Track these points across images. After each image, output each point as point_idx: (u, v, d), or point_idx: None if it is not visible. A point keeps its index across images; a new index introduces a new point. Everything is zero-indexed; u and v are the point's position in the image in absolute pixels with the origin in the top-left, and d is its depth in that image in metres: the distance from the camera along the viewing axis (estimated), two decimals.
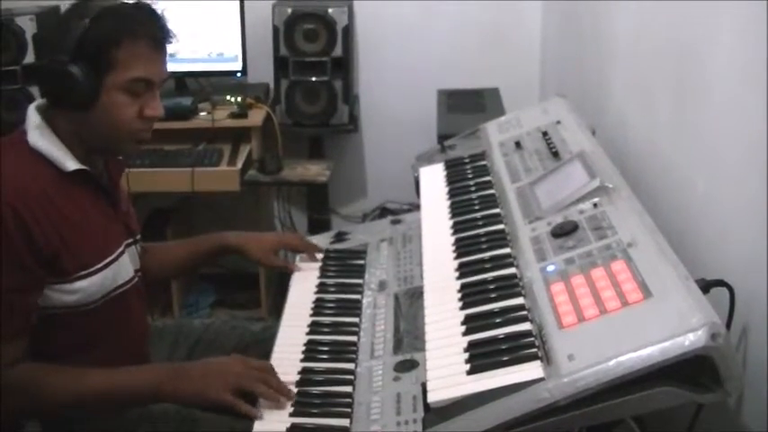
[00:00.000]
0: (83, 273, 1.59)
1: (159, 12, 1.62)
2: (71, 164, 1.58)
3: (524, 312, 1.43)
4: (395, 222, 2.12)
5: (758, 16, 1.36)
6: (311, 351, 1.64)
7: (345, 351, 1.62)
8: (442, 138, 2.43)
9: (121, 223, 1.74)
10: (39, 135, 1.58)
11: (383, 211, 3.61)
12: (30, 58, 3.13)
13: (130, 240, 1.77)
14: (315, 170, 3.36)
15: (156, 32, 1.59)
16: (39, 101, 1.65)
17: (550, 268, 1.48)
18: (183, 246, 2.08)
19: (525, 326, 1.40)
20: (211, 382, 1.51)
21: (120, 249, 1.70)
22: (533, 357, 1.31)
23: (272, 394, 1.49)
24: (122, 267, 1.70)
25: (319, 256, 2.01)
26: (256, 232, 2.10)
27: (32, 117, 1.60)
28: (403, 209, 3.34)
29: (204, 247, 2.02)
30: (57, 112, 1.60)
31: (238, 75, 3.42)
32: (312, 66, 3.31)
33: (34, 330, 1.57)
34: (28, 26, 3.13)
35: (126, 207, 1.80)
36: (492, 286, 1.55)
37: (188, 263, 2.07)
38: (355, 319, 1.72)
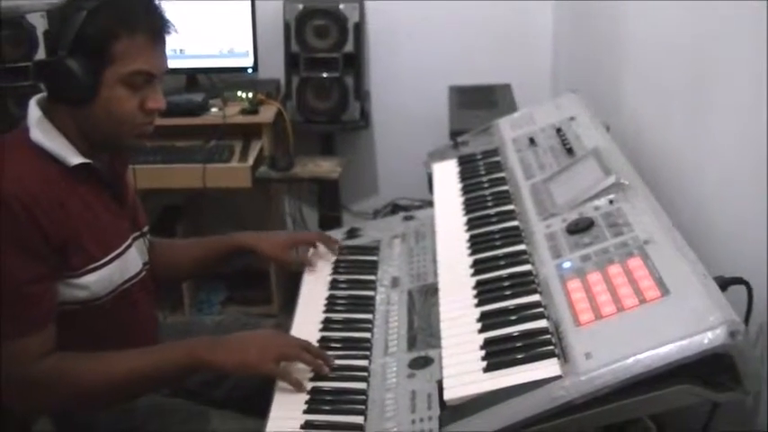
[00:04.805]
0: (90, 267, 1.59)
1: (157, 3, 1.61)
2: (74, 158, 1.58)
3: (540, 309, 1.42)
4: (407, 219, 2.11)
5: None
6: (324, 348, 1.63)
7: (359, 348, 1.62)
8: (454, 134, 2.41)
9: (128, 217, 1.74)
10: (40, 131, 1.57)
11: (394, 208, 3.60)
12: (41, 54, 3.11)
13: (137, 233, 1.77)
14: (326, 167, 3.35)
15: (154, 24, 1.57)
16: (39, 95, 1.64)
17: (566, 265, 1.47)
18: (195, 246, 2.04)
19: (541, 323, 1.39)
20: (253, 353, 1.53)
21: (128, 243, 1.70)
22: (550, 355, 1.30)
23: (316, 362, 1.52)
24: (130, 261, 1.70)
25: (333, 256, 1.98)
26: (269, 231, 2.09)
27: (33, 113, 1.60)
28: (414, 205, 3.33)
29: (217, 249, 2.00)
30: (58, 106, 1.59)
31: (249, 71, 3.42)
32: (323, 62, 3.30)
33: None
34: (39, 23, 3.12)
35: (132, 200, 1.79)
36: (507, 283, 1.54)
37: (200, 264, 2.04)
38: (368, 316, 1.72)
